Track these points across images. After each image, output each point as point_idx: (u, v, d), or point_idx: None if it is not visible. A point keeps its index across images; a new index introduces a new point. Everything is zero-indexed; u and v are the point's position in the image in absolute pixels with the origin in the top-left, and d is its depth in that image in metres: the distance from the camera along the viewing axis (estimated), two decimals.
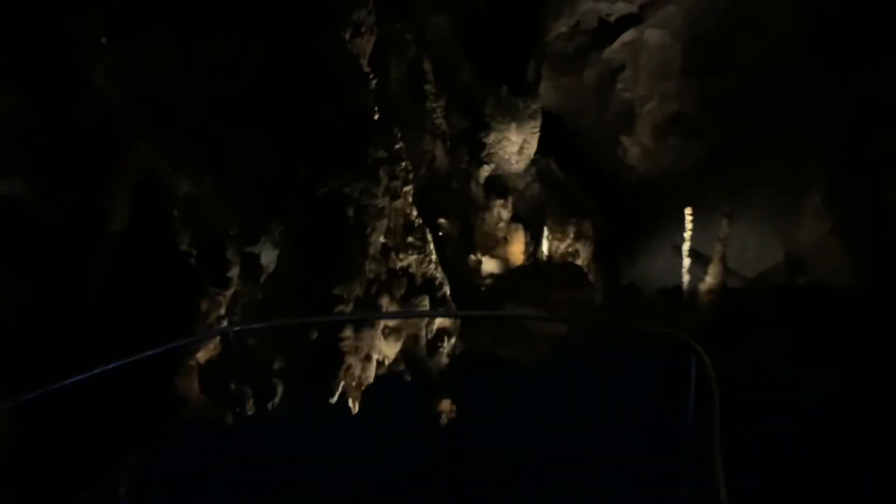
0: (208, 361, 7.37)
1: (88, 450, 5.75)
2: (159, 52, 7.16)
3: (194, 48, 7.54)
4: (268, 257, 8.36)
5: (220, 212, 7.56)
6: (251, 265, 8.26)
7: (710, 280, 11.68)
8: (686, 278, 12.58)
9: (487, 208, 12.81)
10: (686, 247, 12.66)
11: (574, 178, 14.87)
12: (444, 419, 9.15)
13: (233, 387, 7.24)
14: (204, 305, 6.67)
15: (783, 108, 13.88)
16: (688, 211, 12.63)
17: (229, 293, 7.04)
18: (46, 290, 5.70)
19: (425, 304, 9.78)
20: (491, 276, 12.32)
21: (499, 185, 13.36)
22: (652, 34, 14.40)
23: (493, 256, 12.49)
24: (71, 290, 5.86)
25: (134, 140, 6.32)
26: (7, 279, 5.57)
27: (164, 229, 6.66)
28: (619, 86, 15.06)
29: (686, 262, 12.62)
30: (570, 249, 13.18)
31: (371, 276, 9.07)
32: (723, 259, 11.73)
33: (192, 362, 6.94)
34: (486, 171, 13.28)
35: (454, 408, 9.47)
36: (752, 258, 14.46)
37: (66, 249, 5.74)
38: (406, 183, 10.13)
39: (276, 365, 7.91)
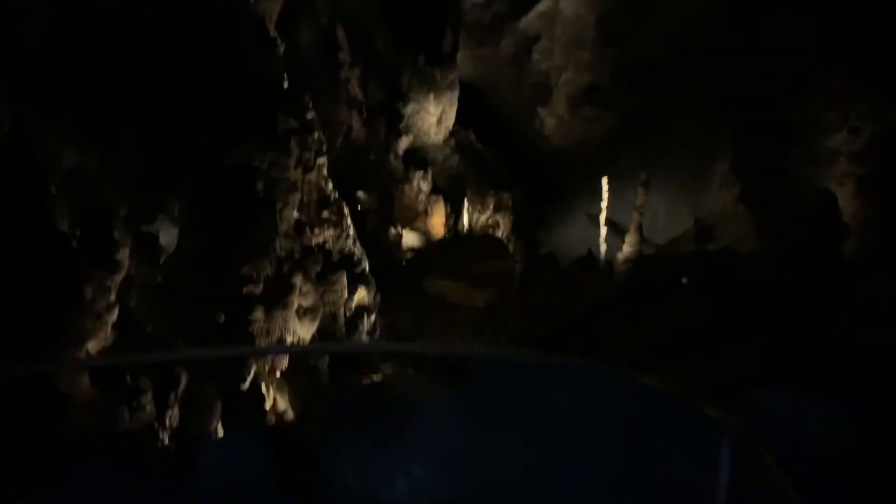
0: (102, 351, 6.39)
1: None
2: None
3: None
4: (167, 236, 7.39)
5: (108, 187, 6.54)
6: (148, 245, 7.27)
7: (626, 248, 11.26)
8: (603, 247, 12.14)
9: (407, 180, 12.00)
10: (603, 216, 12.21)
11: (493, 150, 14.20)
12: None
13: (129, 379, 6.30)
14: (89, 293, 5.69)
15: (694, 77, 13.58)
16: (604, 180, 12.17)
17: (119, 278, 6.06)
18: None
19: (343, 280, 8.96)
20: (412, 249, 11.57)
21: (418, 157, 12.55)
22: (567, 4, 13.78)
23: (413, 229, 11.73)
24: None
25: None
26: None
27: (39, 208, 5.62)
28: (535, 56, 14.41)
29: (603, 231, 12.17)
30: (490, 221, 12.53)
31: (283, 253, 8.18)
32: (639, 228, 11.32)
33: (82, 354, 5.95)
34: (404, 142, 12.44)
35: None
36: (662, 225, 14.22)
37: None
38: (319, 154, 9.22)
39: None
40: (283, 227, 8.39)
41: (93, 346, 6.19)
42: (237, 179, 8.05)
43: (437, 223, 12.16)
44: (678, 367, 7.21)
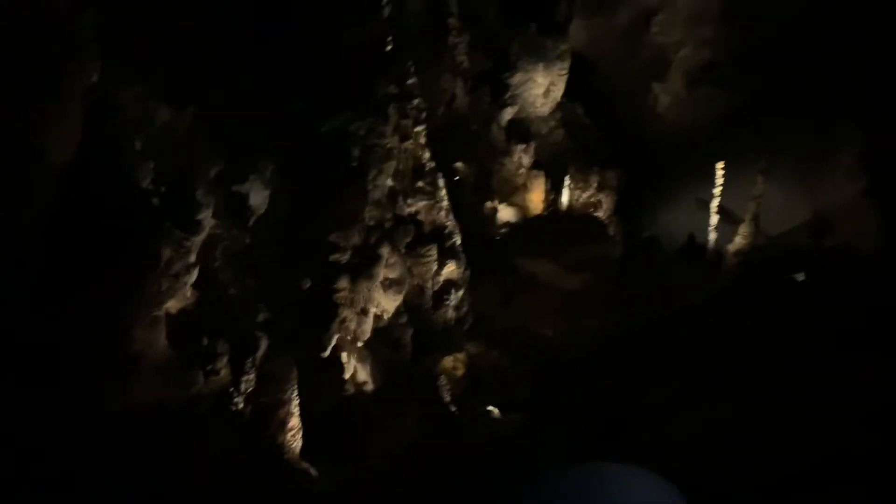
0: (182, 311, 6.07)
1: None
2: None
3: None
4: (257, 198, 6.96)
5: (197, 147, 6.14)
6: (237, 206, 6.88)
7: (739, 240, 10.07)
8: (712, 236, 10.94)
9: (507, 153, 11.19)
10: (714, 203, 10.97)
11: (599, 126, 13.12)
12: (443, 380, 7.81)
13: (206, 341, 5.95)
14: (167, 252, 5.31)
15: (821, 61, 12.03)
16: (719, 165, 10.91)
17: (199, 239, 5.66)
18: None
19: (432, 253, 8.36)
20: (506, 224, 10.81)
21: (521, 129, 11.69)
22: None
23: (510, 204, 10.95)
24: None
25: (82, 56, 4.87)
26: None
27: (122, 165, 5.26)
28: (654, 29, 13.13)
29: (713, 218, 10.95)
30: (591, 200, 11.54)
31: (373, 222, 7.64)
32: (755, 218, 10.09)
33: (160, 312, 5.62)
34: (508, 113, 11.59)
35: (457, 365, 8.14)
36: (776, 216, 12.81)
37: None
38: (418, 122, 8.60)
39: (261, 317, 6.58)
40: (376, 195, 7.84)
41: (172, 305, 5.87)
42: (332, 144, 7.54)
43: (536, 199, 11.32)
44: (791, 383, 6.18)
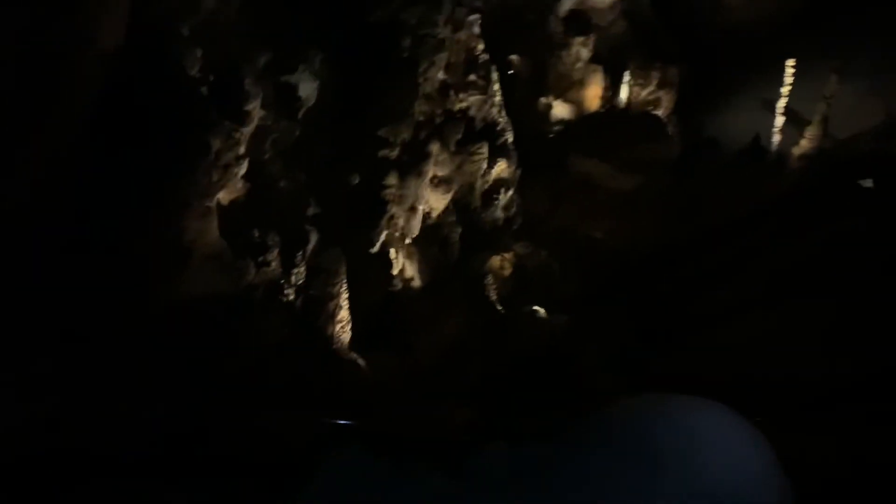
0: (233, 203, 6.03)
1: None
2: None
3: None
4: (307, 89, 6.74)
5: (245, 35, 5.89)
6: (286, 97, 6.68)
7: (805, 143, 9.49)
8: (777, 138, 10.33)
9: (565, 46, 10.58)
10: (781, 103, 10.28)
11: (664, 18, 12.25)
12: (490, 280, 7.73)
13: (257, 233, 5.93)
14: (216, 143, 5.19)
15: None
16: (789, 63, 10.13)
17: (248, 129, 5.52)
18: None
19: (483, 150, 8.09)
20: (561, 122, 10.39)
21: (580, 21, 10.99)
22: None
23: (565, 101, 10.47)
24: (46, 128, 4.45)
25: None
26: None
27: (170, 52, 5.07)
28: None
29: (779, 119, 10.29)
30: (651, 97, 10.95)
31: (422, 118, 7.38)
32: (824, 121, 9.45)
33: (211, 203, 5.59)
34: (567, 3, 10.88)
35: (504, 265, 8.03)
36: (844, 119, 11.99)
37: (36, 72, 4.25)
38: (472, 11, 8.11)
39: (310, 211, 6.52)
40: (426, 88, 7.53)
41: (223, 196, 5.83)
42: (382, 33, 7.19)
43: (593, 95, 10.79)
44: (847, 295, 5.90)
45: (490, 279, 7.71)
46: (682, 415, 1.02)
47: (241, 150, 5.50)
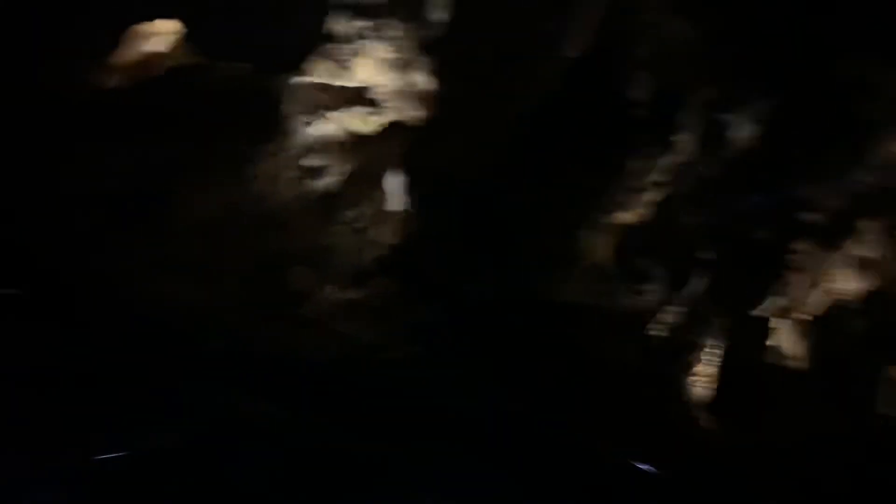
0: (631, 226, 6.01)
1: None
2: None
3: None
4: (741, 131, 6.32)
5: (695, 64, 5.74)
6: (720, 135, 6.37)
7: None
8: None
9: None
10: None
11: None
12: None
13: (644, 261, 5.83)
14: (634, 165, 5.20)
15: None
16: None
17: (670, 160, 5.41)
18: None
19: None
20: None
21: None
22: None
23: None
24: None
25: None
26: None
27: (621, 69, 5.20)
28: None
29: None
30: None
31: (863, 189, 6.39)
32: None
33: (610, 220, 5.64)
34: None
35: None
36: None
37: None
38: None
39: (704, 254, 6.16)
40: (876, 159, 6.52)
41: (624, 217, 5.84)
42: (838, 91, 6.39)
43: None
44: None
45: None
46: None
47: (657, 177, 5.42)
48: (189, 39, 4.62)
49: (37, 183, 4.48)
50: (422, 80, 5.05)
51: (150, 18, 4.56)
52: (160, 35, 4.59)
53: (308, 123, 4.99)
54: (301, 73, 4.89)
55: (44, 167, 4.49)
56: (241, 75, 4.71)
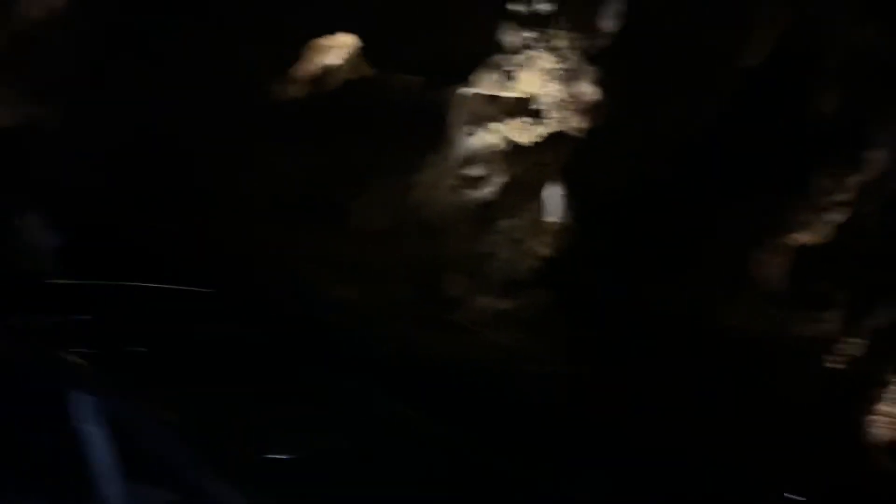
0: (813, 247, 5.54)
1: None
2: None
3: None
4: None
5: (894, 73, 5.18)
6: None
7: None
8: None
9: None
10: None
11: None
12: None
13: (826, 284, 5.35)
14: (820, 184, 4.78)
15: None
16: None
17: (860, 178, 4.92)
18: None
19: None
20: None
21: None
22: None
23: None
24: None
25: None
26: None
27: (811, 80, 4.81)
28: None
29: None
30: None
31: None
32: None
33: (786, 241, 5.23)
34: None
35: None
36: None
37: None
38: None
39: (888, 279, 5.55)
40: None
41: (805, 238, 5.40)
42: None
43: None
44: None
45: None
46: None
47: (845, 196, 4.97)
48: (365, 53, 4.78)
49: (220, 185, 4.81)
50: (587, 90, 4.93)
51: (331, 32, 4.76)
52: (338, 48, 4.80)
53: (470, 134, 5.02)
54: (468, 84, 4.92)
55: (227, 170, 4.82)
56: (412, 87, 4.83)
